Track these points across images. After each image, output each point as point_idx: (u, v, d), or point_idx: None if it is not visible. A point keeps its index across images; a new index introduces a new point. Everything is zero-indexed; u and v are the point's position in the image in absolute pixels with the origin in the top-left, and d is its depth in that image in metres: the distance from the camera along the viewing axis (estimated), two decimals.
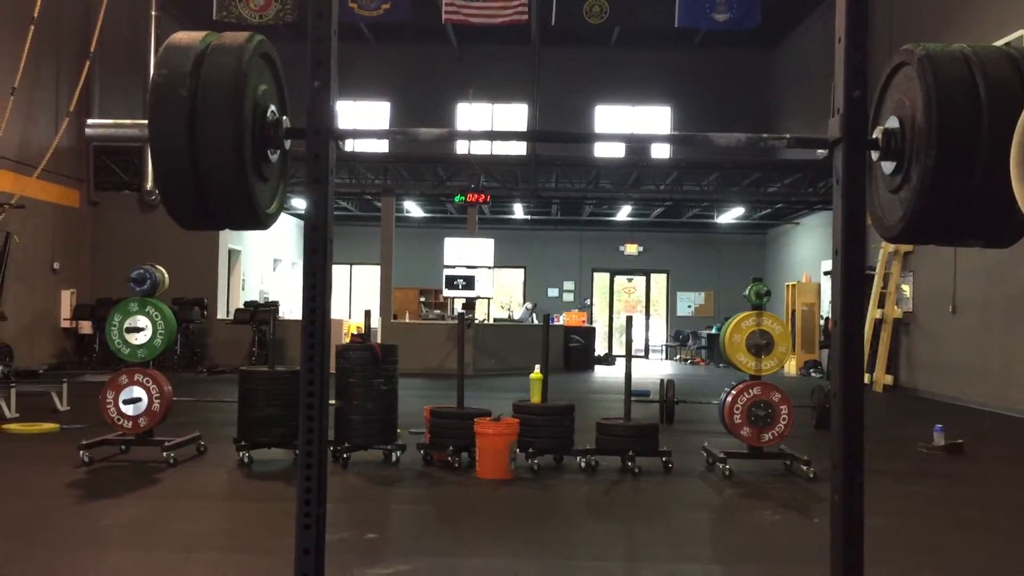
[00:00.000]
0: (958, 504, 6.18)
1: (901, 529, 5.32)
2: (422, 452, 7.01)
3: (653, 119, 23.66)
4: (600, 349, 21.45)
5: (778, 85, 22.91)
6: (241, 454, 6.80)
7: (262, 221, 2.80)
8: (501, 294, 24.51)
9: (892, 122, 2.61)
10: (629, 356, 7.23)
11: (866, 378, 14.39)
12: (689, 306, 24.97)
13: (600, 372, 18.51)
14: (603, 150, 20.30)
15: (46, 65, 14.84)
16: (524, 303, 23.39)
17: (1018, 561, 4.75)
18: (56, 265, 15.70)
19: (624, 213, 22.48)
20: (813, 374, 17.55)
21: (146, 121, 2.58)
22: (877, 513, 5.35)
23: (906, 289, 15.10)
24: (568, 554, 4.68)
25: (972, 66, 2.46)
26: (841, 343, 2.61)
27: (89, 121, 2.97)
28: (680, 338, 23.98)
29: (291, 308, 19.48)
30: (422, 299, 23.38)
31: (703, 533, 5.44)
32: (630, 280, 25.58)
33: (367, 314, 8.07)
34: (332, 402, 6.47)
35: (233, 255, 19.09)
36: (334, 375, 6.81)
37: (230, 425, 7.23)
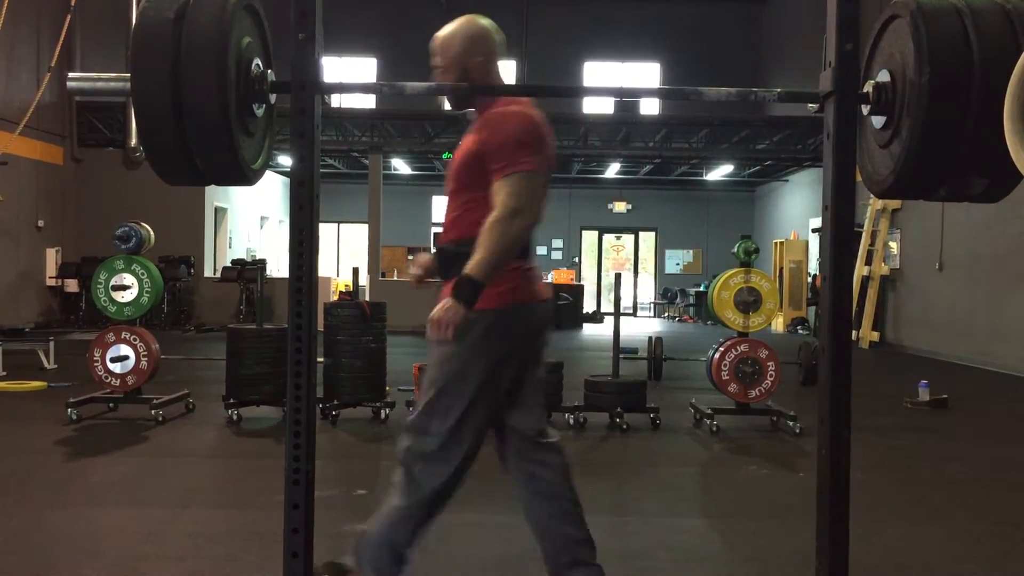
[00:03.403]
0: (942, 458, 6.25)
1: (886, 483, 5.38)
2: (411, 409, 7.02)
3: (643, 75, 23.44)
4: (588, 307, 21.49)
5: (769, 40, 22.74)
6: (230, 411, 6.81)
7: (248, 176, 2.77)
8: None
9: (883, 76, 2.58)
10: (617, 313, 7.25)
11: (852, 334, 14.47)
12: (677, 263, 25.00)
13: (588, 330, 18.55)
14: (592, 106, 20.13)
15: (26, 19, 14.59)
16: None
17: (1000, 513, 4.82)
18: (41, 223, 15.57)
19: (613, 171, 22.38)
20: (800, 331, 17.65)
21: (128, 74, 2.54)
22: (862, 467, 5.41)
23: (893, 246, 15.14)
24: None
25: (964, 18, 2.43)
26: (829, 299, 2.61)
27: (71, 75, 2.92)
28: (668, 295, 24.03)
29: (279, 266, 19.43)
30: (410, 257, 23.34)
31: (691, 488, 5.49)
32: (619, 238, 25.57)
33: (355, 272, 8.04)
34: (320, 360, 6.47)
35: (219, 212, 18.96)
36: (322, 333, 6.80)
37: (218, 383, 7.23)
